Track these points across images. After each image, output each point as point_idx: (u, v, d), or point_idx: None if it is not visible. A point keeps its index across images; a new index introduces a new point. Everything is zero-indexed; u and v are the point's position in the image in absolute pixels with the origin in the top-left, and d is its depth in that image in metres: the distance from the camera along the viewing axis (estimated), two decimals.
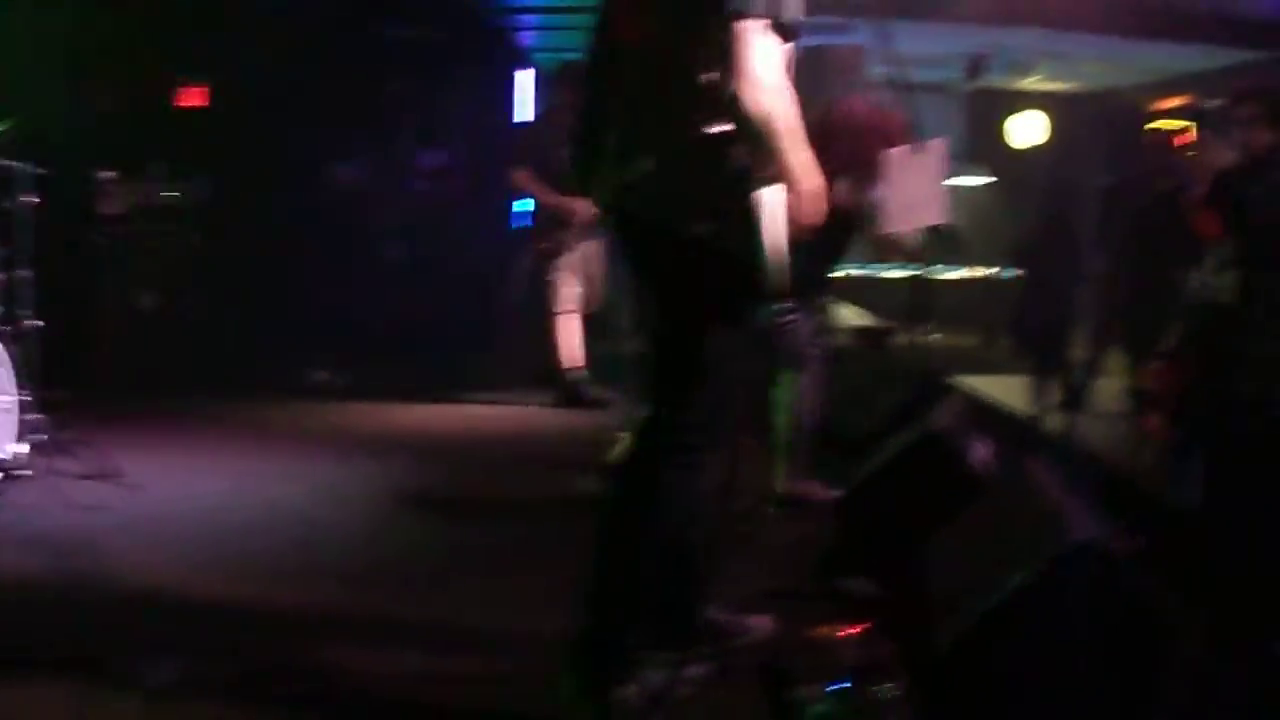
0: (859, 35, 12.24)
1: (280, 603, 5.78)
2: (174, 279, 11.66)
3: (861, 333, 10.44)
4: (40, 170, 8.32)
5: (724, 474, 4.36)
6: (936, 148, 5.68)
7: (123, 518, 7.10)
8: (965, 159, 19.71)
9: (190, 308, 11.78)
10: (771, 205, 3.95)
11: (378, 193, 13.81)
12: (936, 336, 16.27)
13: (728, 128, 3.93)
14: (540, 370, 10.55)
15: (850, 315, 11.16)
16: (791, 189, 4.00)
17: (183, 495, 7.68)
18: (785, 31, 4.01)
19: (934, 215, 5.78)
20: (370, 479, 8.11)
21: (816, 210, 4.08)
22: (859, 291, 12.06)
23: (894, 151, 5.86)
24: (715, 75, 3.92)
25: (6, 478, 7.41)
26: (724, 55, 3.87)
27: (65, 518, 7.06)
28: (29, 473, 7.62)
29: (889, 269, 17.40)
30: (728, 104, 3.87)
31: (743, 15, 3.87)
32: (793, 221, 4.03)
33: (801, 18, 4.05)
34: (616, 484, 4.20)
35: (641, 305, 4.38)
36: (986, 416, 7.55)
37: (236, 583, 6.05)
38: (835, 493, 7.34)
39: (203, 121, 13.23)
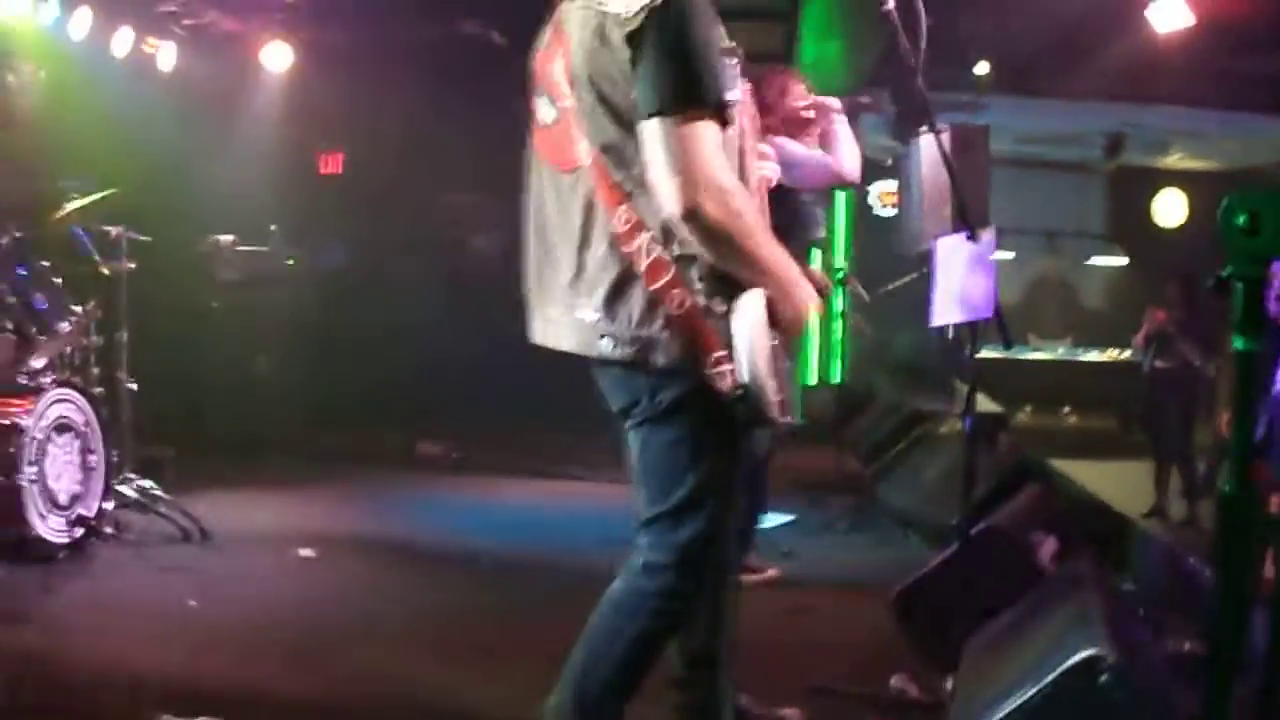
0: (991, 114, 12.01)
1: (334, 679, 5.66)
2: (289, 344, 11.72)
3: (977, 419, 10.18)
4: (142, 236, 8.37)
5: (709, 618, 4.10)
6: (988, 237, 5.42)
7: (200, 581, 7.02)
8: (1104, 239, 19.47)
9: (304, 373, 11.85)
10: (748, 320, 3.51)
11: (515, 264, 13.78)
12: (1071, 420, 16.02)
13: (679, 252, 3.55)
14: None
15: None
16: (770, 291, 3.58)
17: (266, 562, 7.61)
18: (727, 114, 3.56)
19: (982, 308, 5.52)
20: (457, 556, 7.98)
21: (803, 308, 3.69)
22: (995, 375, 11.75)
23: (946, 240, 5.62)
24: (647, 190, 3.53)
25: (93, 535, 7.43)
26: (657, 162, 3.46)
27: (143, 579, 7.06)
28: (113, 531, 7.65)
29: (1026, 351, 17.17)
30: (679, 221, 3.45)
31: (667, 109, 3.44)
32: (778, 326, 3.61)
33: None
34: (602, 607, 3.87)
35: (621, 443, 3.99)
36: (1062, 509, 7.28)
37: (297, 654, 5.95)
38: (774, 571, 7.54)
39: (340, 188, 13.42)
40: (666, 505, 3.73)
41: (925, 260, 12.28)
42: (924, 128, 11.07)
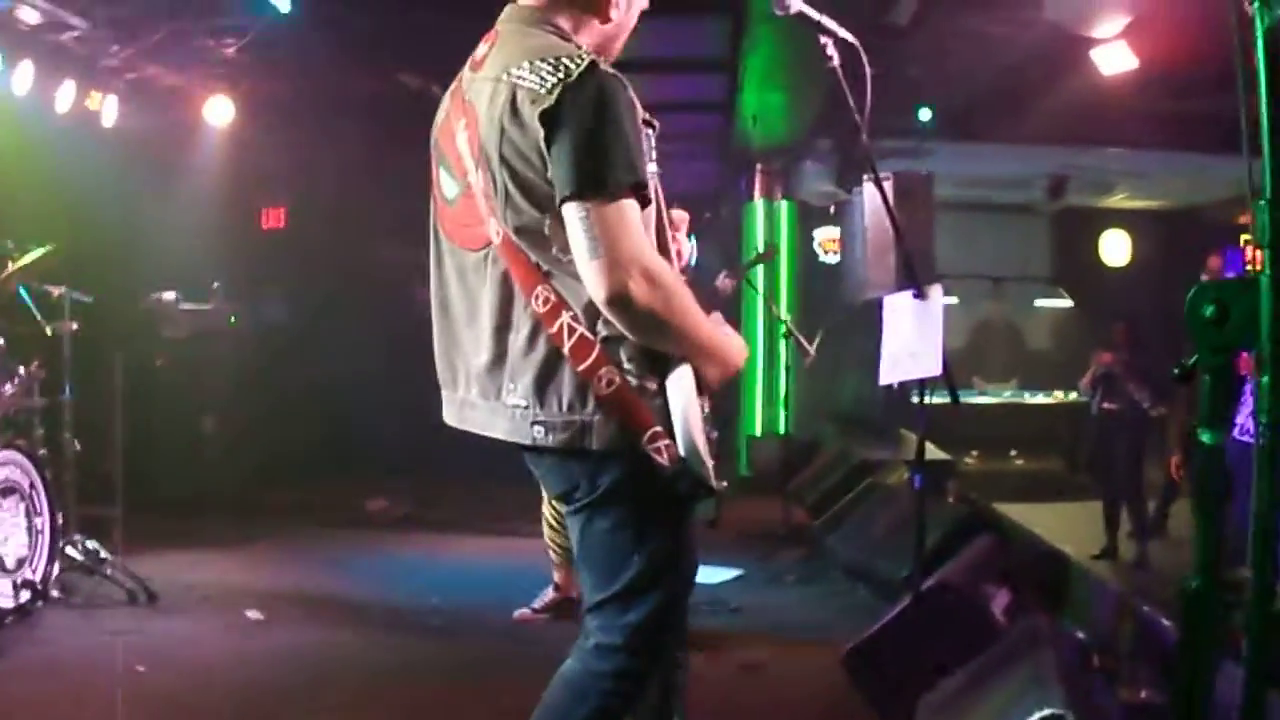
0: (935, 160, 12.07)
1: None
2: (234, 401, 11.65)
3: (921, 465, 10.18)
4: (83, 297, 8.31)
5: (658, 694, 4.03)
6: (935, 294, 5.41)
7: (149, 645, 6.96)
8: (1048, 280, 19.60)
9: (249, 430, 11.78)
10: (681, 395, 3.42)
11: None
12: (1018, 463, 16.08)
13: (605, 333, 3.41)
14: None
15: (914, 447, 10.93)
16: (698, 361, 3.49)
17: (214, 624, 7.55)
18: (645, 193, 3.42)
19: (930, 366, 5.51)
20: (407, 615, 7.90)
21: (733, 367, 3.61)
22: (941, 420, 11.74)
23: (893, 298, 5.61)
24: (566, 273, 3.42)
25: (40, 599, 7.35)
26: (579, 244, 3.32)
27: (90, 643, 6.98)
28: (59, 594, 7.59)
29: (971, 395, 17.20)
30: (605, 305, 3.31)
31: (588, 192, 3.29)
32: (705, 389, 3.52)
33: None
34: (555, 685, 3.73)
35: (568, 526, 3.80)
36: (1018, 561, 7.29)
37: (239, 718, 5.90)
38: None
39: (282, 243, 13.37)
40: (614, 589, 3.60)
41: (868, 306, 12.46)
42: (866, 176, 11.22)
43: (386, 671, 6.79)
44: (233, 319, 11.67)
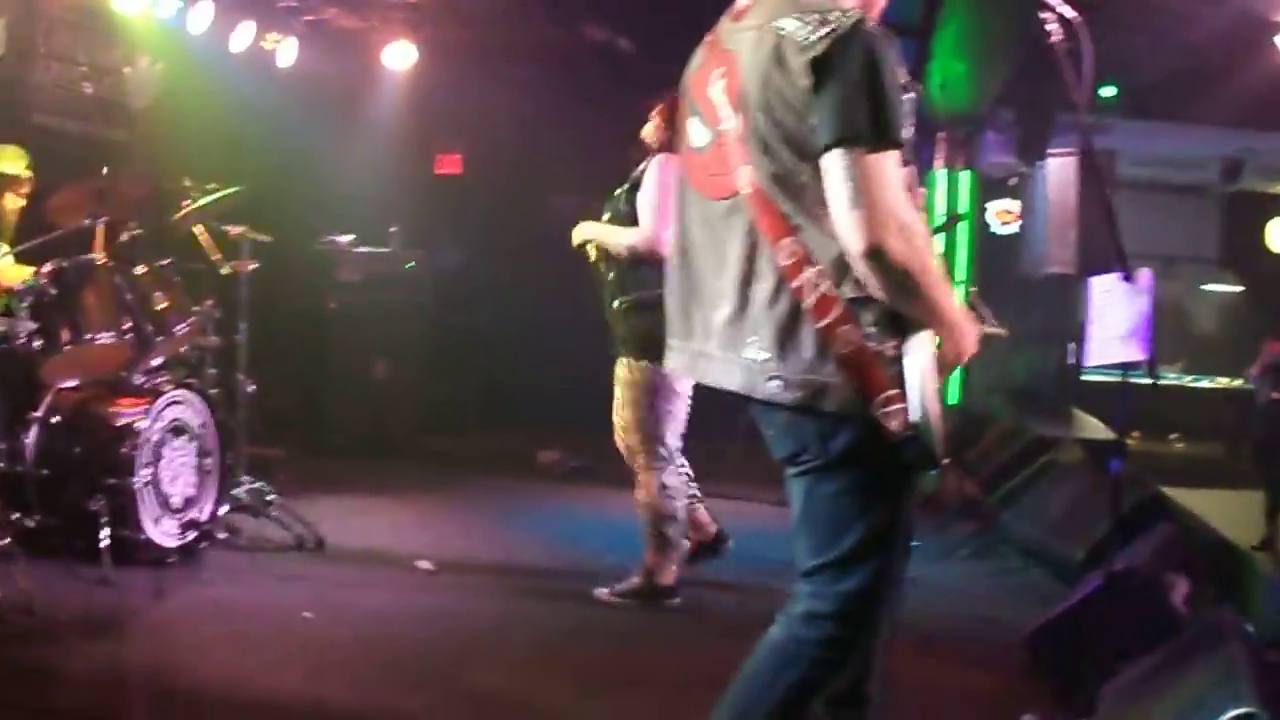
0: (1114, 137, 11.68)
1: (460, 706, 5.46)
2: (407, 347, 11.54)
3: (1091, 446, 9.84)
4: (261, 237, 8.21)
5: (859, 660, 3.74)
6: (1144, 279, 5.14)
7: (313, 591, 6.85)
8: (1218, 265, 19.08)
9: (421, 377, 11.68)
10: (918, 362, 3.37)
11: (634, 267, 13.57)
12: (1179, 446, 15.60)
13: (850, 294, 3.38)
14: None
15: (1087, 426, 10.56)
16: (939, 331, 3.44)
17: (382, 573, 7.41)
18: (905, 151, 3.44)
19: (1135, 350, 5.25)
20: (575, 571, 7.61)
21: (966, 351, 3.56)
22: (1105, 400, 11.35)
23: (1100, 282, 5.36)
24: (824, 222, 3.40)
25: (206, 540, 7.30)
26: (839, 194, 3.32)
27: (256, 587, 6.90)
28: (225, 535, 7.53)
29: (1136, 376, 16.73)
30: (860, 256, 3.29)
31: (853, 140, 3.31)
32: (943, 367, 3.46)
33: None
34: (759, 652, 3.68)
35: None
36: (1195, 549, 6.97)
37: (420, 676, 5.73)
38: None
39: (457, 189, 13.25)
40: (832, 555, 3.57)
41: (1045, 280, 12.12)
42: (1058, 151, 10.89)
43: (561, 631, 6.59)
44: (410, 265, 11.53)
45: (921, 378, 3.34)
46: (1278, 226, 18.52)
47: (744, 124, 3.52)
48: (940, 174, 14.84)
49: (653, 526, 6.95)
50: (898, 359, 3.36)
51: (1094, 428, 10.68)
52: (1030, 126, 13.22)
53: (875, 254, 3.26)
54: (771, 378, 3.47)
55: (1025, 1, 9.41)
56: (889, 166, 3.33)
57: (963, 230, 14.04)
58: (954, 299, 3.49)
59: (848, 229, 3.30)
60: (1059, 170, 10.50)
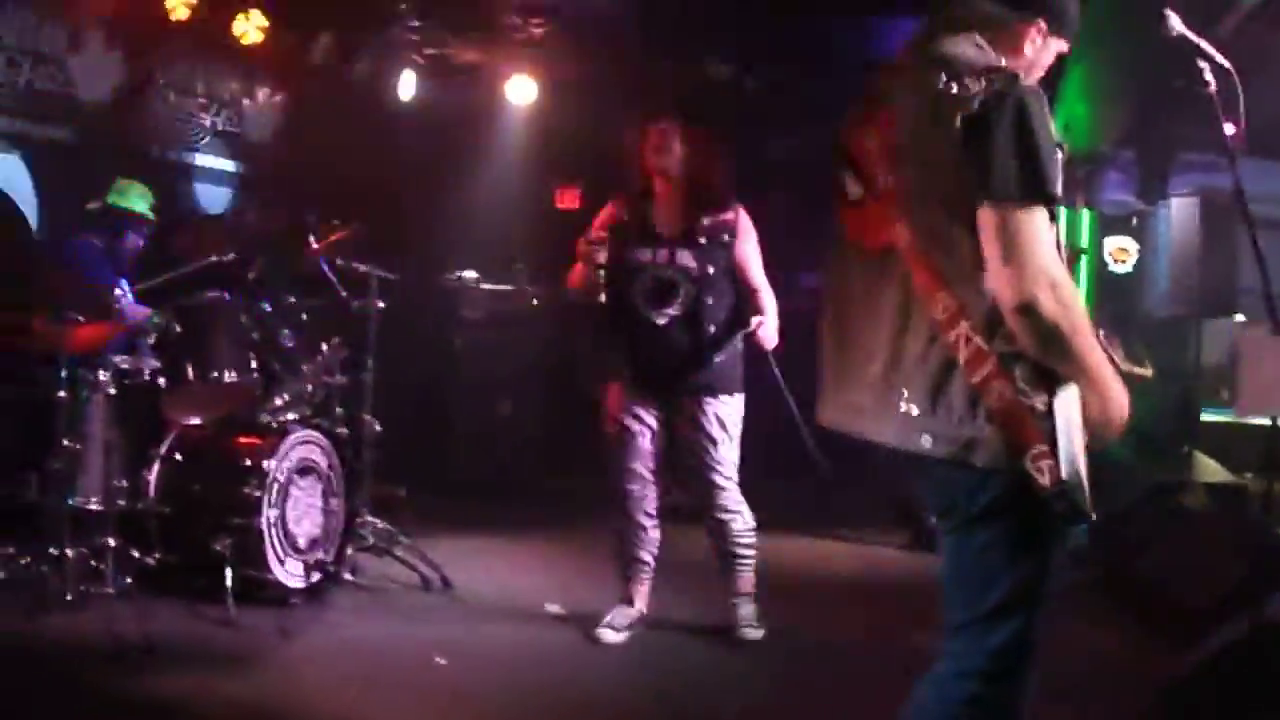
0: (1229, 176, 11.45)
1: None
2: (529, 387, 11.41)
3: (1215, 490, 9.53)
4: (389, 275, 8.10)
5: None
6: None
7: (442, 633, 6.72)
8: None
9: (545, 416, 11.55)
10: (1068, 417, 3.30)
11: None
12: None
13: (1003, 349, 3.32)
14: (899, 508, 9.82)
15: (1208, 469, 10.22)
16: (1091, 393, 3.35)
17: (508, 615, 7.23)
18: (1054, 202, 3.38)
19: None
20: (700, 614, 7.32)
21: (1117, 415, 3.43)
22: (1220, 439, 11.01)
23: (1248, 335, 5.16)
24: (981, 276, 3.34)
25: (330, 580, 7.21)
26: (992, 250, 3.29)
27: (383, 629, 6.77)
28: (350, 576, 7.42)
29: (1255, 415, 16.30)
30: (1012, 312, 3.26)
31: (1005, 197, 3.28)
32: (1095, 429, 3.36)
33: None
34: (907, 713, 3.62)
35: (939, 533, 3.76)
36: None
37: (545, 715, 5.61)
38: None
39: (577, 224, 13.12)
40: (979, 611, 3.51)
41: (1164, 321, 11.82)
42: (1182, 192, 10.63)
43: (699, 684, 6.36)
44: (535, 301, 11.40)
45: (1070, 430, 3.29)
46: None
47: (898, 179, 3.52)
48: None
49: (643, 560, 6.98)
50: (1048, 414, 3.30)
51: (1214, 471, 10.33)
52: (1151, 165, 13.04)
53: (1027, 310, 3.24)
54: (924, 432, 3.44)
55: (1147, 44, 9.25)
56: (1040, 224, 3.31)
57: (1083, 268, 13.84)
58: (1103, 360, 3.42)
59: (999, 285, 3.28)
60: (1182, 211, 10.29)
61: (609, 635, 6.75)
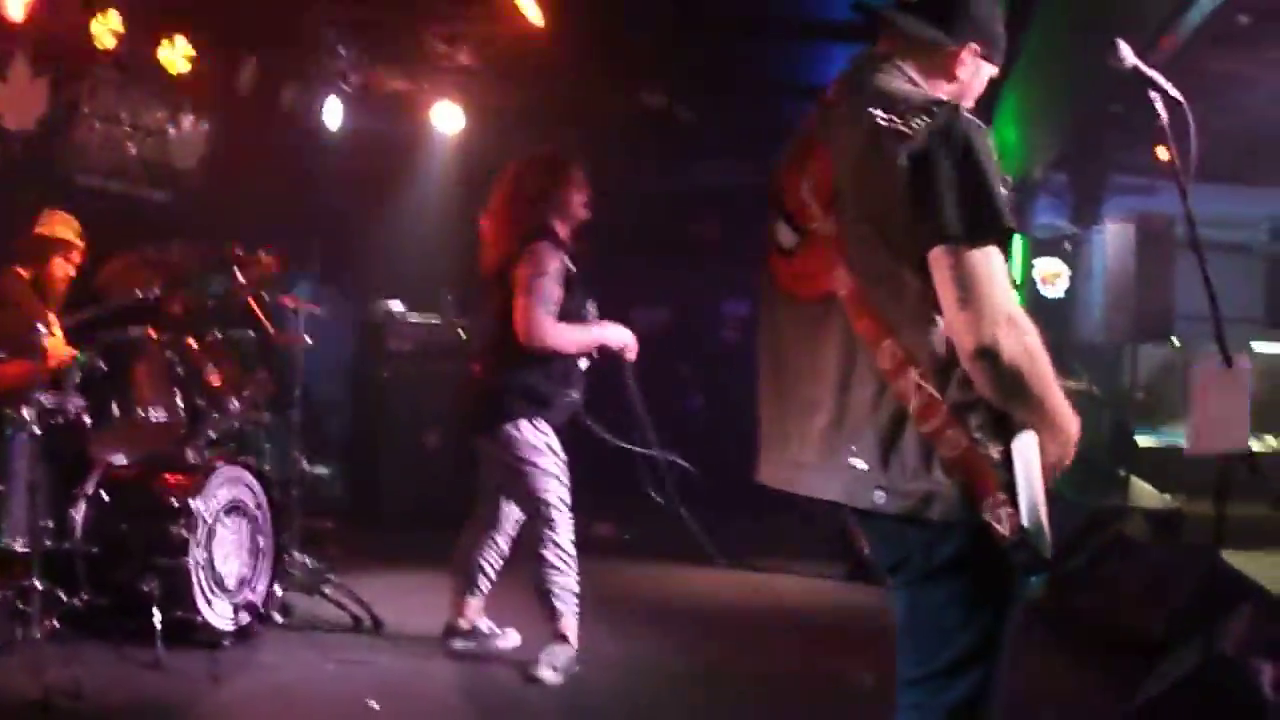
0: (1161, 200, 11.57)
1: None
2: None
3: (1153, 516, 9.59)
4: (314, 308, 8.02)
5: None
6: (1242, 365, 4.95)
7: (374, 675, 6.65)
8: (1264, 324, 18.96)
9: (471, 448, 11.46)
10: (1026, 462, 3.19)
11: (679, 340, 13.40)
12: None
13: (956, 398, 3.21)
14: (836, 539, 9.78)
15: (1146, 495, 10.28)
16: (1049, 435, 3.25)
17: (441, 654, 7.10)
18: (1008, 236, 3.25)
19: (1238, 439, 5.04)
20: (637, 650, 7.36)
21: (1070, 449, 3.34)
22: (1154, 464, 11.07)
23: (1201, 369, 5.17)
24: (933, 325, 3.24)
25: (260, 621, 7.12)
26: (947, 293, 3.17)
27: (316, 672, 6.67)
28: (280, 617, 7.34)
29: (1178, 436, 16.53)
30: (971, 357, 3.14)
31: (956, 237, 3.15)
32: (1049, 470, 3.26)
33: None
34: None
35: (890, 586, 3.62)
36: (1275, 633, 6.76)
37: None
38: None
39: None
40: (936, 666, 3.40)
41: (1095, 346, 11.89)
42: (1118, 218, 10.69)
43: (636, 715, 6.40)
44: (462, 333, 11.33)
45: (1029, 477, 3.18)
46: None
47: (838, 222, 3.39)
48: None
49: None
50: (1006, 463, 3.19)
51: (1151, 496, 10.39)
52: (1084, 189, 13.13)
53: (987, 355, 3.12)
54: (876, 488, 3.31)
55: (1081, 68, 9.31)
56: (996, 262, 3.18)
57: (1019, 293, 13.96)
58: (1062, 399, 3.28)
59: (958, 329, 3.15)
60: (1118, 235, 10.29)
61: (548, 675, 6.69)
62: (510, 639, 7.15)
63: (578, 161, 7.08)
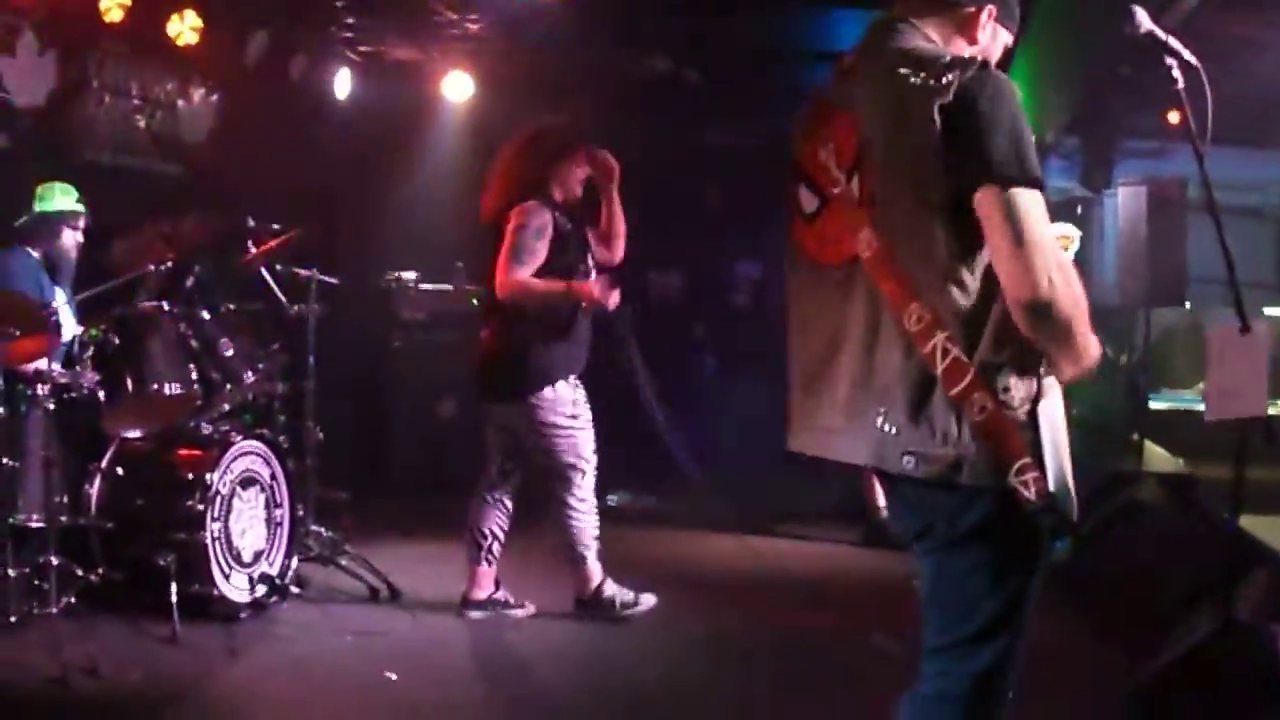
0: (1175, 163, 11.52)
1: None
2: (471, 386, 11.32)
3: (1166, 480, 9.55)
4: (329, 279, 7.99)
5: None
6: (1263, 331, 4.90)
7: (392, 647, 6.65)
8: (1277, 289, 18.91)
9: None
10: (1052, 426, 3.23)
11: (693, 304, 13.37)
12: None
13: (984, 358, 3.22)
14: (850, 504, 9.76)
15: (1159, 459, 10.23)
16: (1072, 367, 3.29)
17: (458, 623, 7.14)
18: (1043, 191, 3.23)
19: (1256, 405, 5.00)
20: (652, 615, 7.28)
21: (1090, 368, 3.34)
22: (1168, 427, 11.03)
23: (1218, 334, 5.13)
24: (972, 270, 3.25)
25: (276, 593, 7.09)
26: (1000, 236, 3.14)
27: (333, 644, 6.67)
28: (296, 589, 7.31)
29: (1224, 416, 16.49)
30: (1024, 303, 3.11)
31: (1006, 177, 3.14)
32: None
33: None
34: None
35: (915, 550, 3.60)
36: None
37: None
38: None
39: None
40: (962, 634, 3.41)
41: (1112, 311, 11.85)
42: (1130, 180, 10.65)
43: (655, 681, 6.37)
44: (475, 302, 11.30)
45: (1056, 441, 3.21)
46: None
47: (862, 184, 3.38)
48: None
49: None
50: (1032, 425, 3.21)
51: (1164, 460, 10.34)
52: (1096, 153, 13.09)
53: (1043, 306, 3.10)
54: (905, 453, 3.30)
55: (1093, 32, 9.26)
56: (1040, 204, 3.16)
57: None
58: (1093, 339, 3.29)
59: (1013, 270, 3.12)
60: (1130, 199, 10.23)
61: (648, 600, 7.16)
62: (527, 608, 7.16)
63: (587, 139, 7.20)
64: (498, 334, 6.98)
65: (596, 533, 7.12)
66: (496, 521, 7.25)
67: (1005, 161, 3.14)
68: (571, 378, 6.99)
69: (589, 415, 7.08)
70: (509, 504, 7.31)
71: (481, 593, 7.18)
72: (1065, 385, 3.34)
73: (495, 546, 7.23)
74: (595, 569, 7.12)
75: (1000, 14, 3.61)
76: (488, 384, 7.10)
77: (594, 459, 7.07)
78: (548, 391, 6.86)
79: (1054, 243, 3.16)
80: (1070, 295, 3.12)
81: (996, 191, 3.12)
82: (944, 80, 3.20)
